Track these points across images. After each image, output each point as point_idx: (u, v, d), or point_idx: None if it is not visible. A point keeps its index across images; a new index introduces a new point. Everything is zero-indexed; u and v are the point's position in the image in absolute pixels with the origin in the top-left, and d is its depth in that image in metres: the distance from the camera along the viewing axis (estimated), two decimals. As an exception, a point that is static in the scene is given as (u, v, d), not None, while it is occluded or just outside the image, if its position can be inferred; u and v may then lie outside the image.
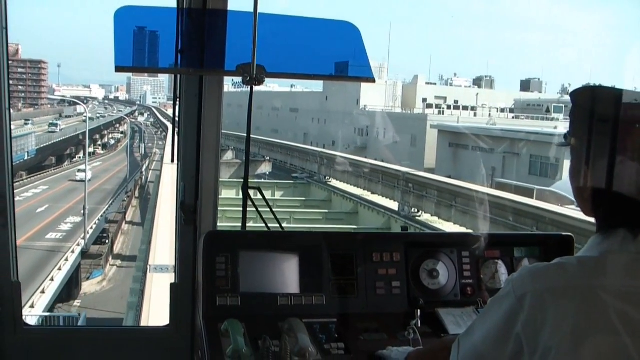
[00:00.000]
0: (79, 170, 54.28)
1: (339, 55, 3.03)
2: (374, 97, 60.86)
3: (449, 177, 33.51)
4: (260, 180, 37.34)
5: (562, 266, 1.67)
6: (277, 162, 45.38)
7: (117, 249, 37.82)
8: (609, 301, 1.56)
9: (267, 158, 45.13)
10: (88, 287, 31.83)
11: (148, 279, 14.41)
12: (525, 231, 15.53)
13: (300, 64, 2.98)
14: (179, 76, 3.04)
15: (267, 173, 43.23)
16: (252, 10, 2.72)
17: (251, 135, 3.20)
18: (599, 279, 1.62)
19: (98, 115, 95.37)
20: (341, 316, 2.72)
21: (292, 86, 74.64)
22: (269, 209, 3.28)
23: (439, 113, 59.48)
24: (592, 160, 1.72)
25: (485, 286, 2.99)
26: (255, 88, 2.82)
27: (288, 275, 2.79)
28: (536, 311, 1.61)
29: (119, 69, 2.65)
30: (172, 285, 3.21)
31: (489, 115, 61.20)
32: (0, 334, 3.10)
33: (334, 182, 34.32)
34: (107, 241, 36.51)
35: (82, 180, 46.36)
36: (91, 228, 37.21)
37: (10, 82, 3.03)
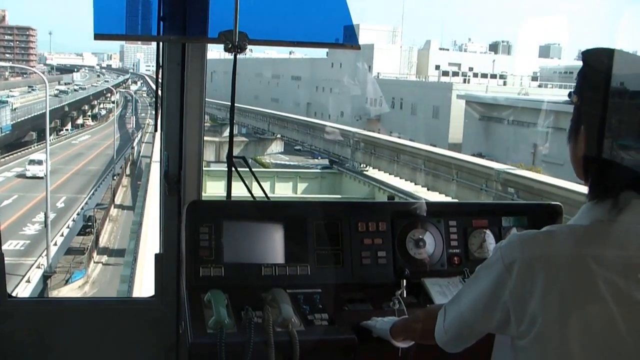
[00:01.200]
0: (30, 162, 39.14)
1: (324, 20, 2.97)
2: (387, 64, 57.08)
3: (480, 155, 31.25)
4: (278, 170, 35.40)
5: (551, 234, 1.67)
6: (295, 141, 41.56)
7: (103, 240, 30.12)
8: (597, 270, 1.56)
9: (279, 135, 41.85)
10: (67, 292, 23.06)
11: (140, 251, 14.40)
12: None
13: (285, 29, 2.92)
14: (161, 44, 2.98)
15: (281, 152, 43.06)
16: None
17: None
18: (587, 248, 1.62)
19: (76, 87, 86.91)
20: (326, 286, 2.70)
21: (290, 53, 70.58)
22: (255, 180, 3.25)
23: (465, 81, 54.04)
24: (589, 124, 1.71)
25: (473, 256, 2.97)
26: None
27: (272, 245, 2.77)
28: (524, 279, 1.62)
29: (98, 36, 2.59)
30: (156, 255, 3.20)
31: (520, 84, 54.43)
32: None
33: (376, 173, 28.55)
34: (92, 230, 28.48)
35: (34, 177, 36.30)
36: (62, 235, 29.03)
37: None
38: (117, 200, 36.58)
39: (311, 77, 60.50)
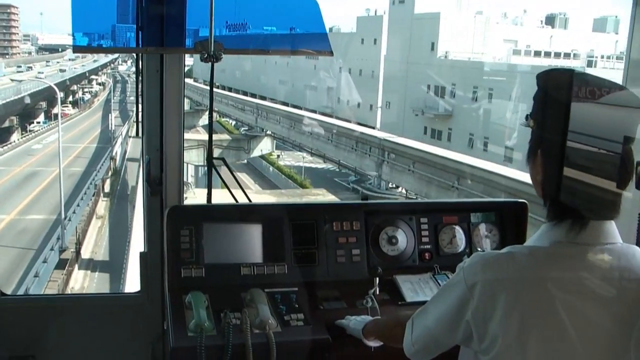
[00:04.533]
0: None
1: (297, 26, 3.05)
2: (456, 39, 37.62)
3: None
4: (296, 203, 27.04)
5: (512, 256, 1.72)
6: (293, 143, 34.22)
7: (86, 250, 25.00)
8: (556, 293, 1.63)
9: (268, 132, 34.64)
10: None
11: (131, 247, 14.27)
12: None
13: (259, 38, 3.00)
14: None
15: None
16: None
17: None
18: (547, 270, 1.67)
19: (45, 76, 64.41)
20: (302, 285, 2.83)
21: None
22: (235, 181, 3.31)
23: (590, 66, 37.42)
24: (545, 147, 1.75)
25: (443, 251, 3.11)
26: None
27: (251, 245, 2.89)
28: (486, 301, 1.67)
29: (77, 49, 2.68)
30: (141, 253, 3.29)
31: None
32: None
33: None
34: (74, 245, 24.01)
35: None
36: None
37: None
38: (99, 212, 29.11)
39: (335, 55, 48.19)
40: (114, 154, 38.55)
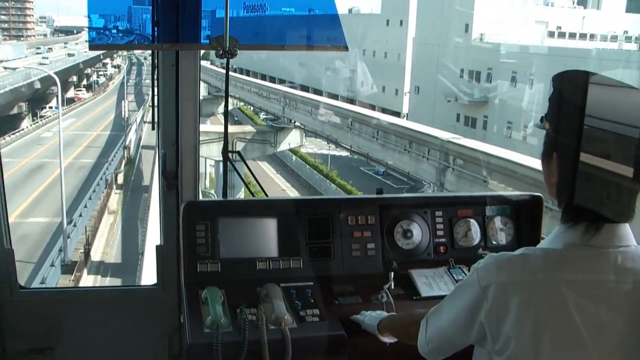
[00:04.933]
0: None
1: (313, 22, 3.05)
2: (493, 20, 33.46)
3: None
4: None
5: (525, 258, 1.73)
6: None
7: (97, 251, 23.21)
8: (569, 295, 1.63)
9: (297, 123, 31.10)
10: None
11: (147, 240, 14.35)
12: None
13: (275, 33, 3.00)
14: None
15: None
16: None
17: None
18: (560, 273, 1.68)
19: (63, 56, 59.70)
20: (318, 279, 2.84)
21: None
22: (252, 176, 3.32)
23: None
24: (561, 150, 1.74)
25: (458, 245, 3.12)
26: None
27: (266, 239, 2.91)
28: (499, 302, 1.68)
29: (92, 46, 2.70)
30: (157, 247, 3.33)
31: None
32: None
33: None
34: (84, 247, 22.21)
35: None
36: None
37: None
38: (112, 207, 27.09)
39: (359, 37, 40.36)
40: (127, 142, 36.44)
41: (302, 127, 31.11)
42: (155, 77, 3.12)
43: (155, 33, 2.83)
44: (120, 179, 30.93)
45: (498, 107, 31.51)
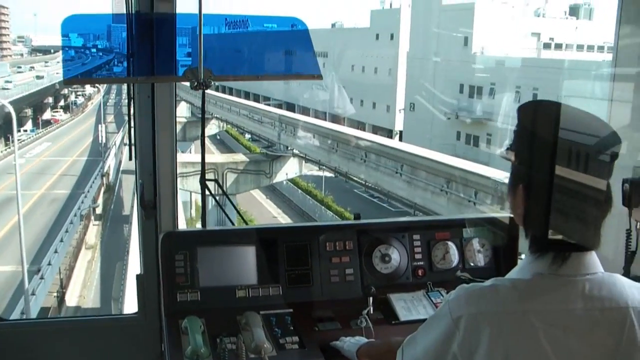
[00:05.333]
0: None
1: (287, 51, 3.09)
2: (492, 34, 32.15)
3: None
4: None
5: (495, 289, 1.74)
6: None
7: (72, 295, 20.95)
8: (539, 325, 1.65)
9: (295, 150, 27.93)
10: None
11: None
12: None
13: (249, 64, 3.04)
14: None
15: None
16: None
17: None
18: (530, 303, 1.69)
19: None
20: (297, 305, 2.87)
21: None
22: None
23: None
24: (527, 182, 1.75)
25: (436, 267, 3.15)
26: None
27: (245, 267, 2.94)
28: (471, 334, 1.69)
29: (67, 81, 2.70)
30: (137, 276, 3.35)
31: None
32: None
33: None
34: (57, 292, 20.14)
35: None
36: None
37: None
38: (89, 241, 24.68)
39: (343, 52, 40.03)
40: (106, 169, 34.10)
41: (304, 156, 27.97)
42: (132, 108, 3.13)
43: (131, 65, 2.85)
44: (99, 209, 29.14)
45: (501, 124, 27.23)
